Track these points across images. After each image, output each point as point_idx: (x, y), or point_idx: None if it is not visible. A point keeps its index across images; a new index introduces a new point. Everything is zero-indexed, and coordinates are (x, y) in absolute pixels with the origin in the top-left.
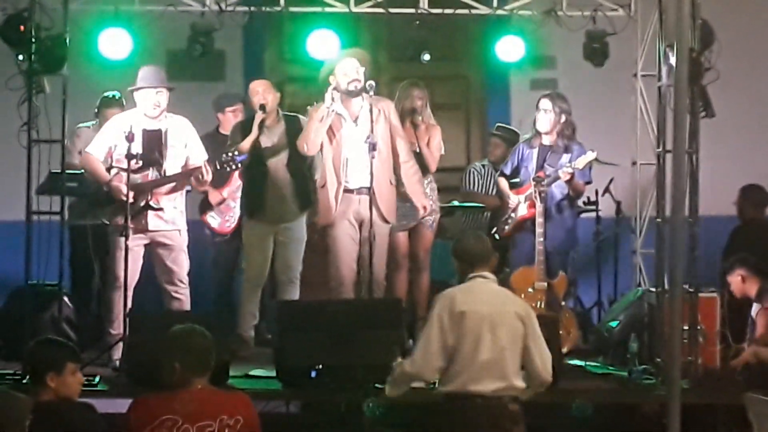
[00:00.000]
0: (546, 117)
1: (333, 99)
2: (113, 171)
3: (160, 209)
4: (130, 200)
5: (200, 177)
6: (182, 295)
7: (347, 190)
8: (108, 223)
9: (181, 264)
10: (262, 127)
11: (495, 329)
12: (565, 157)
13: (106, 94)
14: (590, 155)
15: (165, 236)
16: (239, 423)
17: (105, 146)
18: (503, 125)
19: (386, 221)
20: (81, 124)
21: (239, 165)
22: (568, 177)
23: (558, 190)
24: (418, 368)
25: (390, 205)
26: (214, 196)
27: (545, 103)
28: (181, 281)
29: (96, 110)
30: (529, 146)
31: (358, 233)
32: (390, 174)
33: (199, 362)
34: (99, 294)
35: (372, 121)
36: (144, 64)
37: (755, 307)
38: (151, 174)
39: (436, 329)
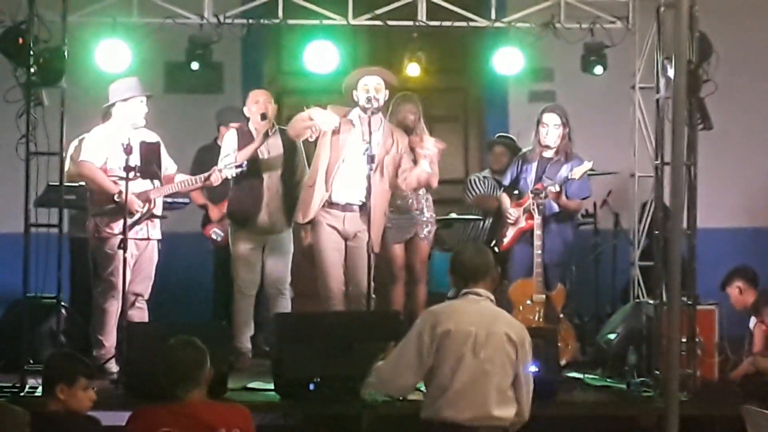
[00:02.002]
0: (556, 132)
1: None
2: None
3: (164, 217)
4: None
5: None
6: (144, 305)
7: (332, 204)
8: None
9: (153, 273)
10: (266, 137)
11: (478, 351)
12: (565, 169)
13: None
14: (586, 165)
15: (154, 245)
16: None
17: (102, 157)
18: (504, 134)
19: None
20: (84, 135)
21: (237, 173)
22: (554, 196)
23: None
24: (383, 382)
25: (378, 234)
26: (214, 212)
27: (554, 119)
28: (149, 291)
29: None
30: (528, 159)
31: (342, 242)
32: (386, 205)
33: (183, 376)
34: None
35: (372, 135)
36: (142, 76)
37: (752, 320)
38: (149, 185)
39: (413, 347)
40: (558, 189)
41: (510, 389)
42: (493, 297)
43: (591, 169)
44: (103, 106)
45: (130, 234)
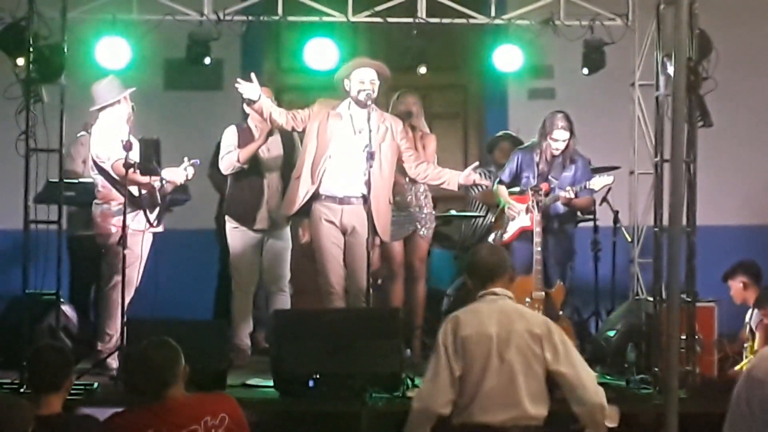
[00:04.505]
0: (563, 144)
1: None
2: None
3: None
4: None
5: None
6: None
7: (328, 198)
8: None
9: None
10: (270, 135)
11: (503, 352)
12: (569, 170)
13: None
14: (607, 179)
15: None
16: (225, 420)
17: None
18: (508, 132)
19: (378, 236)
20: (82, 132)
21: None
22: (566, 200)
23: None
24: (425, 402)
25: (385, 224)
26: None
27: (563, 134)
28: None
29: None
30: (530, 155)
31: (341, 237)
32: (389, 193)
33: (160, 376)
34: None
35: (372, 133)
36: (142, 73)
37: (755, 316)
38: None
39: (443, 358)
40: (573, 195)
41: (542, 387)
42: (511, 294)
43: (591, 167)
44: (91, 109)
45: (156, 228)
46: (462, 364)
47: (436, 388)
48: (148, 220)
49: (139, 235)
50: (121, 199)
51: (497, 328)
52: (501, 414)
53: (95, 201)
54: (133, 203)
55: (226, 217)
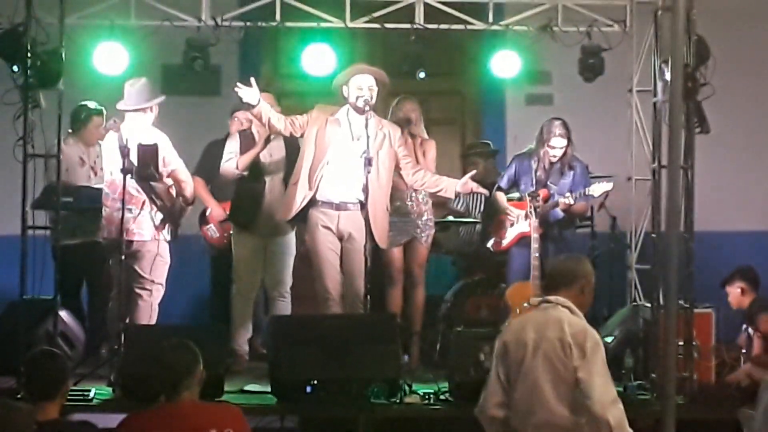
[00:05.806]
0: (561, 151)
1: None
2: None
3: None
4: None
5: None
6: None
7: (325, 204)
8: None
9: None
10: (268, 142)
11: (533, 358)
12: (567, 176)
13: (91, 105)
14: (607, 186)
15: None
16: None
17: None
18: (473, 142)
19: (376, 244)
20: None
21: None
22: (565, 207)
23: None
24: (480, 406)
25: (383, 230)
26: (217, 212)
27: (561, 142)
28: None
29: (81, 121)
30: (527, 162)
31: (338, 243)
32: (386, 199)
33: (174, 378)
34: (96, 310)
35: (370, 139)
36: (139, 79)
37: (748, 328)
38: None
39: (494, 361)
40: (572, 201)
41: (574, 395)
42: (569, 303)
43: (589, 173)
44: (118, 107)
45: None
46: (504, 369)
47: (488, 391)
48: (175, 232)
49: (166, 244)
50: (151, 206)
51: (534, 335)
52: (531, 419)
53: (126, 207)
54: (169, 214)
55: (231, 223)
